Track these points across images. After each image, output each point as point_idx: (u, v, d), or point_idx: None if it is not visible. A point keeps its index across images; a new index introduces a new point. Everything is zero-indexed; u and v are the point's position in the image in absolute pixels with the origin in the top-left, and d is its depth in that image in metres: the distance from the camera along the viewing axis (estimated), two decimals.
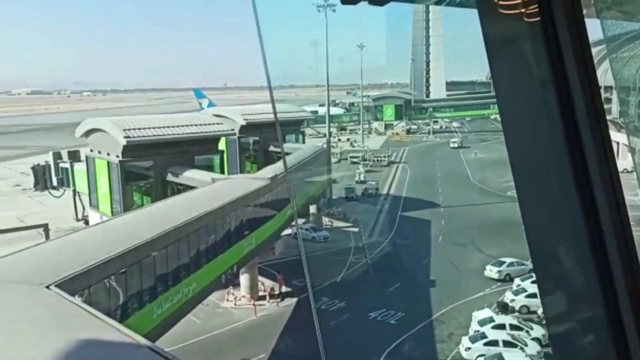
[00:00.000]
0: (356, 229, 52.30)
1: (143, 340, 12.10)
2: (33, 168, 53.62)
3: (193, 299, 24.96)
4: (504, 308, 33.30)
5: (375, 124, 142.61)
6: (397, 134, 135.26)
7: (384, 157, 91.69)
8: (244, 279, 36.76)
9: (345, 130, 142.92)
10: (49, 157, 52.08)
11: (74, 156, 49.73)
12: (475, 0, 2.13)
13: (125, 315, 19.53)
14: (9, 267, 17.17)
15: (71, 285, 16.27)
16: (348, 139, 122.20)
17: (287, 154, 50.04)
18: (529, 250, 2.19)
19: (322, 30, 72.09)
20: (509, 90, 2.19)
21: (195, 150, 41.47)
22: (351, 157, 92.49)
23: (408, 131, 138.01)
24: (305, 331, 31.65)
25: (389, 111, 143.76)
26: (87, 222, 48.33)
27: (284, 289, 37.49)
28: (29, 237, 44.89)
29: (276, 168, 40.15)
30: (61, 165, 50.50)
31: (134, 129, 38.91)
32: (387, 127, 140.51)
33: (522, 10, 1.99)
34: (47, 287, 15.63)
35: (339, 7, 71.80)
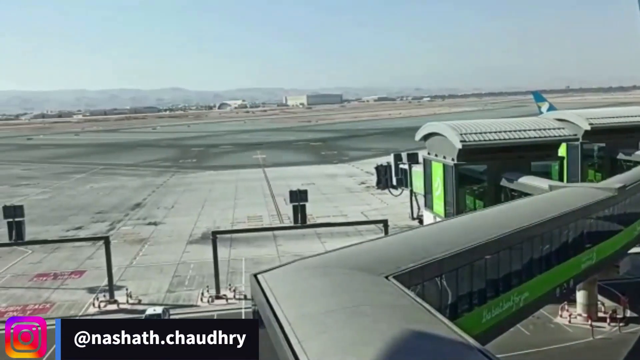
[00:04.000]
0: None
1: (473, 342, 11.95)
2: (376, 168, 59.01)
3: (524, 309, 23.85)
4: None
5: None
6: None
7: None
8: (580, 295, 33.87)
9: None
10: (390, 159, 56.57)
11: (412, 158, 53.01)
12: None
13: (455, 315, 19.70)
14: (356, 256, 19.00)
15: (407, 278, 17.10)
16: None
17: (638, 162, 44.42)
18: None
19: None
20: None
21: (532, 155, 40.06)
22: None
23: None
24: None
25: None
26: (421, 222, 50.89)
27: (629, 313, 33.30)
28: (371, 230, 49.60)
29: (625, 178, 35.78)
30: (400, 166, 54.40)
31: (470, 133, 39.41)
32: None
33: None
34: (386, 277, 16.77)
35: None
